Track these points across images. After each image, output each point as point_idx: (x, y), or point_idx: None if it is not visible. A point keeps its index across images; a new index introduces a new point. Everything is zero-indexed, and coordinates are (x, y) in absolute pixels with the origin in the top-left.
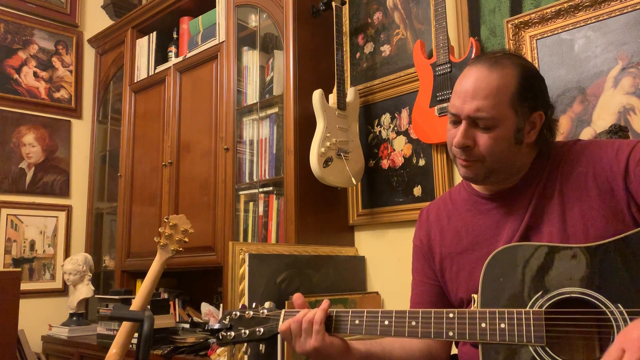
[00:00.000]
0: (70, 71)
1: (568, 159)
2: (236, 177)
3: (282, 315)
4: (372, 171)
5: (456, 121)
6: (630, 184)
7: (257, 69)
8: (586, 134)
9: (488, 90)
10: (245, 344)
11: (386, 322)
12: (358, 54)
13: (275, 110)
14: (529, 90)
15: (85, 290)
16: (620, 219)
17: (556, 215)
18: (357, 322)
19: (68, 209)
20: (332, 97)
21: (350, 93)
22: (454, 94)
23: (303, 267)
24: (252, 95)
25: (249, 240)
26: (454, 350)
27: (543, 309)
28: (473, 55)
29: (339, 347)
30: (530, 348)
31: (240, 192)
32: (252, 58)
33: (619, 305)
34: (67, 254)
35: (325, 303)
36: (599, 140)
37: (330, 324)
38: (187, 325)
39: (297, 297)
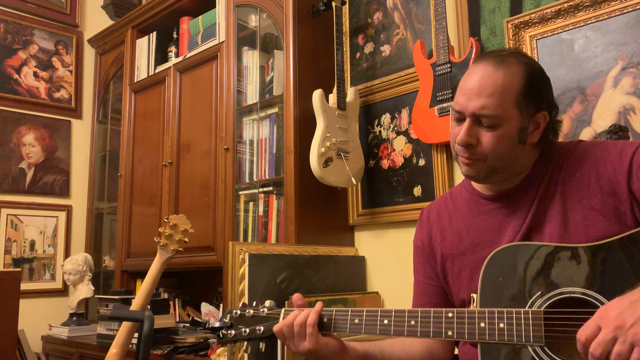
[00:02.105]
0: (70, 71)
1: (570, 160)
2: (236, 177)
3: (282, 314)
4: (372, 171)
5: (460, 119)
6: (633, 185)
7: (257, 69)
8: (586, 134)
9: (493, 88)
10: (246, 343)
11: (385, 322)
12: (358, 54)
13: (275, 110)
14: (535, 90)
15: (85, 290)
16: (622, 221)
17: (558, 217)
18: (356, 321)
19: (68, 209)
20: (332, 97)
21: (350, 93)
22: (459, 91)
23: (303, 267)
24: (252, 95)
25: (249, 240)
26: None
27: (542, 308)
28: (473, 55)
29: (334, 347)
30: (529, 348)
31: (240, 192)
32: (252, 58)
33: None
34: (67, 254)
35: (318, 305)
36: (602, 141)
37: (330, 324)
38: (187, 325)
39: (297, 298)
